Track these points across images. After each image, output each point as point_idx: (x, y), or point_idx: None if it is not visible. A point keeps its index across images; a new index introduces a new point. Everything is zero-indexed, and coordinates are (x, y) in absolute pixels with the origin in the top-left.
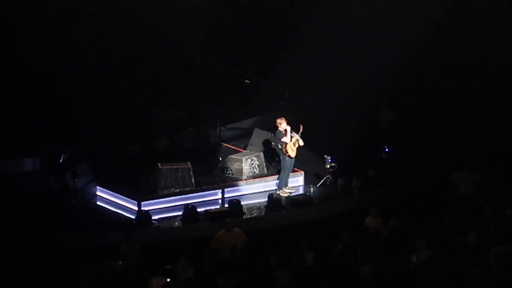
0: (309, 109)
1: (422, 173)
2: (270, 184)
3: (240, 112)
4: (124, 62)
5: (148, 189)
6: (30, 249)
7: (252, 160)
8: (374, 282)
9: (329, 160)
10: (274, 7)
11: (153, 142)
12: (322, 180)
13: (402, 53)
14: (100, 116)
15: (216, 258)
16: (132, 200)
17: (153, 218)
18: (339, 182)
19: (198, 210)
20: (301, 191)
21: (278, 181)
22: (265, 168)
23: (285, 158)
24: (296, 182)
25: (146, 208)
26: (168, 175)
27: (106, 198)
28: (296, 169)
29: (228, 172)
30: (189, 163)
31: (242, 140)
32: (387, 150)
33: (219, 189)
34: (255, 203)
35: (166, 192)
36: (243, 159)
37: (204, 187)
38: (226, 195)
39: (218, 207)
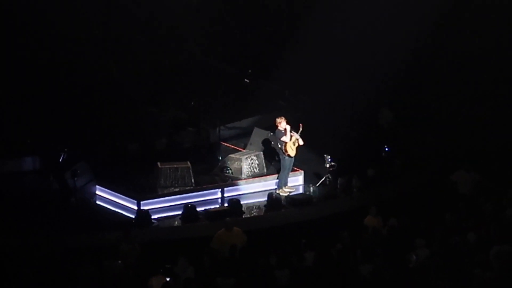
0: (309, 109)
1: (422, 172)
2: (269, 183)
3: (240, 112)
4: (123, 62)
5: (147, 188)
6: (30, 248)
7: (251, 159)
8: (373, 281)
9: (329, 160)
10: (274, 7)
11: (153, 141)
12: (322, 180)
13: (402, 52)
14: (100, 116)
15: (215, 257)
16: (132, 200)
17: (152, 217)
18: (338, 181)
19: (198, 209)
20: (300, 191)
21: (277, 180)
22: (264, 168)
23: (284, 158)
24: (296, 182)
25: (146, 208)
26: (167, 174)
27: (105, 198)
28: (295, 168)
29: (227, 171)
30: (188, 162)
31: (242, 139)
32: (386, 149)
33: (218, 188)
34: (254, 202)
35: (165, 191)
36: (243, 159)
37: (204, 187)
38: (225, 195)
39: (217, 206)
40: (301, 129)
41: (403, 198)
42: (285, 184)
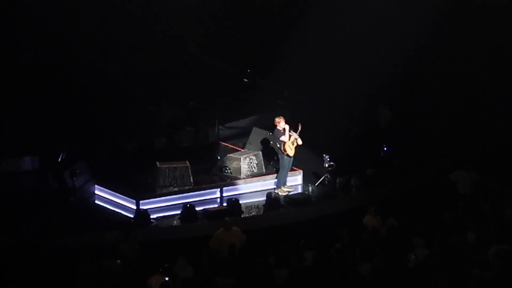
0: (308, 108)
1: (421, 172)
2: (268, 183)
3: (239, 111)
4: (122, 61)
5: (146, 188)
6: (29, 248)
7: (250, 159)
8: (373, 281)
9: (328, 159)
10: (273, 6)
11: (152, 141)
12: (321, 179)
13: (401, 52)
14: (99, 115)
15: (214, 257)
16: (131, 199)
17: (151, 217)
18: (337, 181)
19: (197, 209)
20: (299, 190)
21: (276, 180)
22: (263, 167)
23: (283, 157)
24: (295, 181)
25: (145, 207)
26: (166, 174)
27: (104, 197)
28: (294, 168)
29: (226, 171)
30: (187, 162)
31: (241, 139)
32: (385, 149)
33: (217, 188)
34: (253, 202)
35: (164, 191)
36: (242, 158)
37: (203, 186)
38: (224, 194)
39: (216, 206)
40: (300, 128)
41: (402, 197)
42: (284, 184)
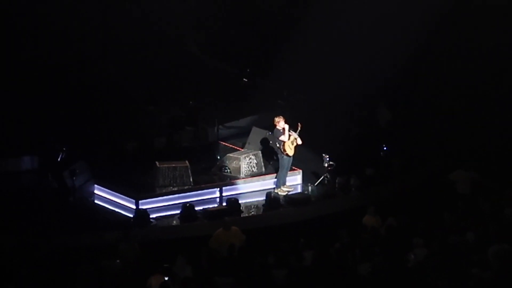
0: (307, 108)
1: (420, 171)
2: (268, 182)
3: (238, 111)
4: (122, 61)
5: (146, 187)
6: (28, 248)
7: (250, 158)
8: (372, 280)
9: (327, 159)
10: (273, 6)
11: (151, 140)
12: (320, 179)
13: (400, 52)
14: (98, 115)
15: (214, 256)
16: (130, 199)
17: (151, 216)
18: (337, 180)
19: (196, 208)
20: (299, 190)
21: (276, 179)
22: (263, 167)
23: (283, 157)
24: (294, 181)
25: (144, 207)
26: (166, 173)
27: (104, 197)
28: (294, 167)
29: (226, 170)
30: (187, 161)
31: (240, 138)
32: (385, 148)
33: (217, 187)
34: (253, 201)
35: (164, 190)
36: (241, 158)
37: (202, 186)
38: (224, 194)
39: (216, 205)
40: (299, 128)
41: (401, 197)
42: (284, 184)
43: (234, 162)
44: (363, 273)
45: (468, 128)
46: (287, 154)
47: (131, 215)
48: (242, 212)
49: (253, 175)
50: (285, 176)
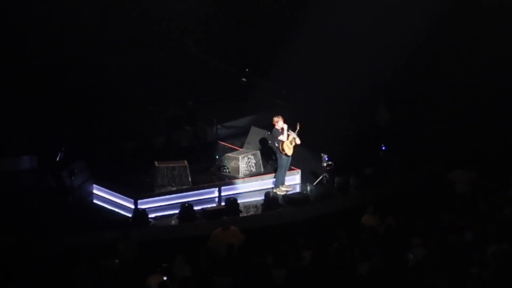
0: (306, 108)
1: (419, 171)
2: (266, 182)
3: (237, 111)
4: (121, 60)
5: (144, 187)
6: (27, 247)
7: (249, 158)
8: (371, 280)
9: (326, 159)
10: (271, 5)
11: (150, 140)
12: (319, 179)
13: (399, 51)
14: (97, 114)
15: (212, 256)
16: (129, 198)
17: (149, 216)
18: (335, 180)
19: (195, 208)
20: (297, 190)
21: (274, 179)
22: (261, 167)
23: (281, 157)
24: (293, 181)
25: (143, 207)
26: (165, 173)
27: (102, 196)
28: (292, 167)
29: (224, 170)
30: (185, 161)
31: (239, 138)
32: (383, 148)
33: (215, 187)
34: (251, 201)
35: (162, 190)
36: (240, 158)
37: (201, 186)
38: (222, 194)
39: (214, 205)
40: (298, 128)
41: (400, 197)
42: (282, 183)
43: (233, 162)
44: (362, 273)
45: (467, 127)
46: (285, 154)
47: (129, 215)
48: (241, 212)
49: (251, 174)
50: (284, 176)
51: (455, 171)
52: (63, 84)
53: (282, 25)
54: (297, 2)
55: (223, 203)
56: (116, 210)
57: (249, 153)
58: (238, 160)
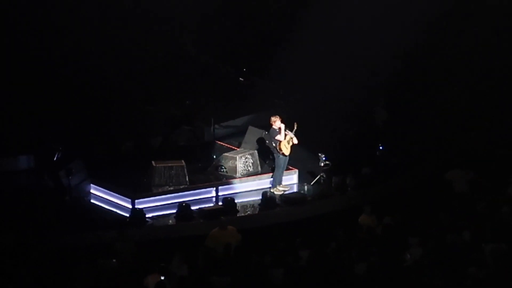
0: (304, 107)
1: (417, 171)
2: (264, 182)
3: (235, 110)
4: (118, 60)
5: (142, 187)
6: (24, 247)
7: (246, 158)
8: (368, 280)
9: (323, 158)
10: (270, 5)
11: (148, 140)
12: (316, 178)
13: (397, 51)
14: (95, 114)
15: (210, 256)
16: (126, 198)
17: (147, 216)
18: (333, 180)
19: (192, 208)
20: (295, 189)
21: (272, 179)
22: (259, 166)
23: (279, 156)
24: (290, 180)
25: (140, 206)
26: (162, 173)
27: (100, 196)
28: (290, 167)
29: (222, 170)
30: (183, 161)
31: (236, 138)
32: (381, 148)
33: (213, 187)
34: (249, 201)
35: (160, 190)
36: (237, 157)
37: (198, 185)
38: (220, 193)
39: (212, 205)
40: (295, 127)
41: (398, 196)
42: (280, 183)
43: (230, 161)
44: (360, 273)
45: (465, 127)
46: (283, 154)
47: (127, 215)
48: (238, 211)
49: (249, 174)
50: (281, 175)
51: (453, 170)
52: (61, 83)
53: (280, 25)
54: (296, 2)
55: (220, 203)
56: (114, 209)
57: (247, 153)
58: (236, 160)
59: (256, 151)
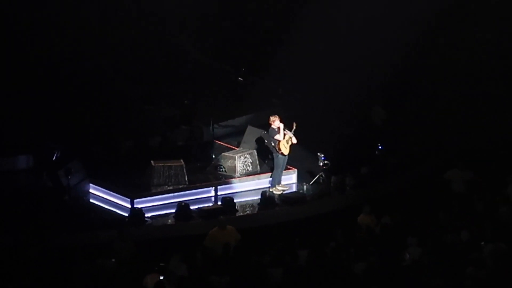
0: (302, 107)
1: (415, 170)
2: (263, 181)
3: (233, 110)
4: (117, 60)
5: (141, 186)
6: (23, 247)
7: (245, 157)
8: (367, 279)
9: (322, 158)
10: (269, 5)
11: (147, 139)
12: (315, 178)
13: (395, 50)
14: (94, 114)
15: (209, 255)
16: (125, 198)
17: (146, 215)
18: (332, 179)
19: (191, 207)
20: (294, 189)
21: (271, 178)
22: (258, 166)
23: (278, 156)
24: (289, 180)
25: (139, 206)
26: (161, 172)
27: (99, 196)
28: (289, 166)
29: (221, 169)
30: (182, 160)
31: (235, 137)
32: (380, 147)
33: (212, 186)
34: (248, 200)
35: (159, 189)
36: (236, 157)
37: (197, 185)
38: (219, 193)
39: (211, 204)
40: (294, 127)
41: (396, 196)
42: (279, 183)
43: (229, 161)
44: (358, 272)
45: (464, 127)
46: (282, 153)
47: (126, 214)
48: (237, 211)
49: (248, 174)
50: (280, 175)
51: (452, 170)
52: (60, 83)
53: (279, 25)
54: (294, 1)
55: (219, 203)
56: (113, 209)
57: (246, 152)
58: (235, 160)
59: (255, 151)
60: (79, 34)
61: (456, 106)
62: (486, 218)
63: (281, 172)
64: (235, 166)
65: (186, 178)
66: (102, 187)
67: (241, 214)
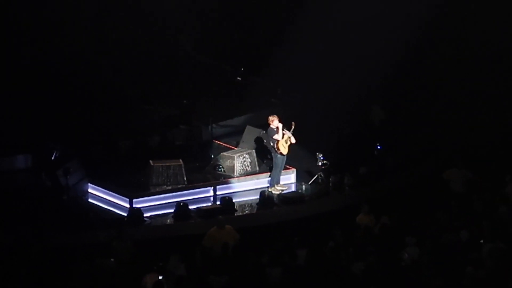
0: (301, 107)
1: (414, 170)
2: (262, 181)
3: (232, 110)
4: (116, 59)
5: (140, 186)
6: (22, 246)
7: (244, 157)
8: (365, 279)
9: (321, 158)
10: (268, 4)
11: (145, 139)
12: (314, 178)
13: (394, 50)
14: (92, 113)
15: (208, 255)
16: (124, 197)
17: (145, 215)
18: (331, 179)
19: (190, 207)
20: (293, 189)
21: (270, 178)
22: (257, 166)
23: (277, 156)
24: (288, 180)
25: (138, 205)
26: (160, 172)
27: (97, 195)
28: (288, 166)
29: (220, 169)
30: (181, 160)
31: (234, 137)
32: (378, 147)
33: (211, 186)
34: (247, 200)
35: (158, 189)
36: (235, 157)
37: (196, 185)
38: (218, 193)
39: (210, 204)
40: (293, 127)
41: (395, 196)
42: (278, 182)
43: (228, 161)
44: (357, 272)
45: (462, 126)
46: (281, 153)
47: (125, 214)
48: (236, 211)
49: (247, 174)
50: (279, 175)
51: (450, 170)
52: (58, 83)
53: (278, 24)
54: (293, 1)
55: (218, 202)
56: (111, 209)
57: (244, 152)
58: (233, 159)
59: (254, 151)
60: (78, 34)
61: (455, 106)
62: (485, 218)
63: (280, 172)
64: (234, 166)
65: (185, 178)
66: (101, 187)
67: (240, 213)
